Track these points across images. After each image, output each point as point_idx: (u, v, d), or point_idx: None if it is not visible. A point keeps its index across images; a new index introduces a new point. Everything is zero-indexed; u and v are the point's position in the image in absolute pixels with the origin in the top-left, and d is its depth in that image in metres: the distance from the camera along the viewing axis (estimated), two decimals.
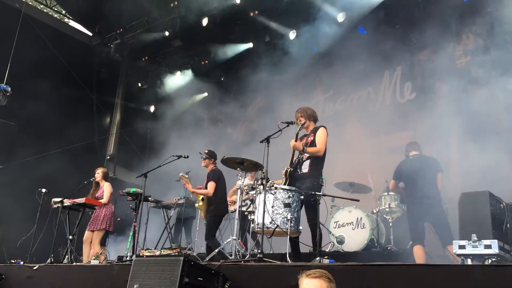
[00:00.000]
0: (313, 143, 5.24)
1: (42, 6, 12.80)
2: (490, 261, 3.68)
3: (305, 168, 5.21)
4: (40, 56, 10.27)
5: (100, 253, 6.72)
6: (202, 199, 6.46)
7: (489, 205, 3.95)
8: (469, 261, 3.77)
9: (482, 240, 3.69)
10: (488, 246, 3.66)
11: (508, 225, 4.08)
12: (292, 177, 5.25)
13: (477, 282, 2.87)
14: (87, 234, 7.27)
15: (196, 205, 6.63)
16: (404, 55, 9.19)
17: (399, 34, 8.82)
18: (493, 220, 3.90)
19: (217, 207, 6.41)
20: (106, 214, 7.26)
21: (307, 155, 5.23)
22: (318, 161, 5.22)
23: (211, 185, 6.44)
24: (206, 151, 6.86)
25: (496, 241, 3.67)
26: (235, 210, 6.15)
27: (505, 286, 2.77)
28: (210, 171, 6.60)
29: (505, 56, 7.55)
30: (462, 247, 3.77)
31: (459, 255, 3.81)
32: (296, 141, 5.33)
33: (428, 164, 5.86)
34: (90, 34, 12.71)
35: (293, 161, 5.29)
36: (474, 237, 3.72)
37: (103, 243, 7.48)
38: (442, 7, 8.65)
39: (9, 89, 8.75)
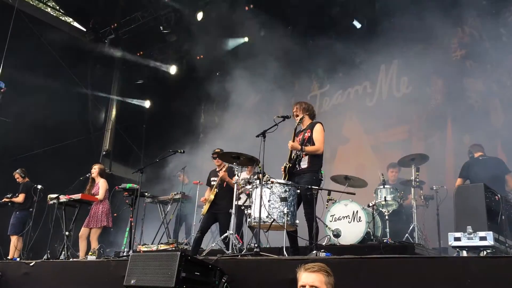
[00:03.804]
0: (310, 140, 5.23)
1: (35, 1, 12.70)
2: (485, 252, 3.71)
3: (304, 164, 5.20)
4: (34, 52, 10.22)
5: (97, 249, 6.71)
6: (215, 193, 6.37)
7: (484, 198, 3.98)
8: (464, 253, 3.79)
9: (477, 232, 3.72)
10: (483, 238, 3.69)
11: (503, 217, 4.10)
12: (291, 173, 5.25)
13: (473, 273, 2.89)
14: (83, 230, 7.24)
15: (206, 197, 6.54)
16: (400, 48, 9.19)
17: (394, 27, 8.81)
18: (488, 212, 3.92)
19: (231, 202, 6.36)
20: (103, 211, 7.23)
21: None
22: (317, 156, 5.22)
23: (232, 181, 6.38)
24: (218, 150, 6.82)
25: (491, 233, 3.70)
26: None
27: (500, 277, 2.79)
28: (229, 167, 6.54)
29: (500, 49, 7.57)
30: (457, 239, 3.80)
31: (454, 247, 3.83)
32: (293, 137, 5.33)
33: (496, 165, 6.15)
34: (84, 29, 12.64)
35: (292, 157, 5.29)
36: (469, 229, 3.74)
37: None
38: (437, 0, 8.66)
39: (3, 85, 8.71)
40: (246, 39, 11.31)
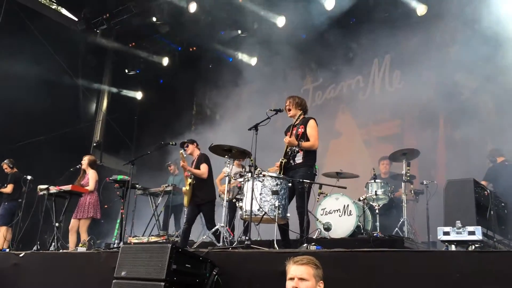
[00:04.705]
0: (304, 135, 5.26)
1: None
2: (473, 247, 3.74)
3: (298, 159, 5.23)
4: (25, 41, 10.09)
5: (87, 241, 6.68)
6: (190, 184, 6.30)
7: (474, 193, 4.02)
8: (453, 247, 3.82)
9: (466, 227, 3.75)
10: (472, 233, 3.72)
11: (491, 212, 4.14)
12: (286, 168, 5.27)
13: (461, 267, 2.92)
14: (72, 222, 7.20)
15: (184, 189, 6.45)
16: (393, 43, 9.20)
17: (387, 22, 8.82)
18: (477, 207, 3.96)
19: (210, 192, 6.31)
20: (91, 202, 7.19)
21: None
22: (311, 151, 5.27)
23: (205, 167, 6.29)
24: (186, 140, 6.77)
25: (479, 227, 3.73)
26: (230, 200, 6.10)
27: (488, 272, 2.82)
28: (200, 155, 6.48)
29: (492, 45, 7.60)
30: (446, 233, 3.83)
31: (443, 241, 3.87)
32: (291, 132, 5.34)
33: None
34: (76, 19, 12.48)
35: (287, 152, 5.30)
36: (458, 223, 3.77)
37: None
38: None
39: None
40: (239, 31, 11.25)
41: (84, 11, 12.12)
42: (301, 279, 2.68)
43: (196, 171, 6.28)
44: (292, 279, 2.71)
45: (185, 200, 6.41)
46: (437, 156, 8.32)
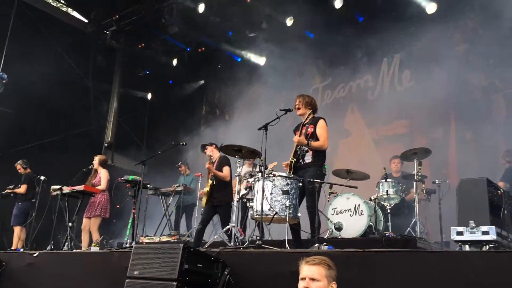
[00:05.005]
0: (313, 135, 5.25)
1: None
2: (487, 247, 3.71)
3: (308, 158, 5.23)
4: (36, 43, 10.20)
5: (100, 240, 6.74)
6: (210, 185, 6.31)
7: (487, 192, 3.97)
8: (466, 247, 3.80)
9: (480, 226, 3.71)
10: (485, 233, 3.69)
11: (505, 212, 4.10)
12: (296, 168, 5.26)
13: (475, 267, 2.90)
14: (84, 221, 7.30)
15: (204, 190, 6.46)
16: (403, 42, 9.16)
17: (397, 20, 8.77)
18: (491, 207, 3.92)
19: (228, 194, 6.29)
20: (101, 201, 7.28)
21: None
22: (320, 151, 5.26)
23: (227, 170, 6.34)
24: (206, 143, 6.82)
25: (493, 227, 3.70)
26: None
27: (502, 272, 2.80)
28: (222, 157, 6.48)
29: (503, 44, 7.53)
30: (460, 233, 3.80)
31: (457, 241, 3.84)
32: (300, 132, 5.34)
33: None
34: (86, 20, 12.59)
35: (296, 151, 5.29)
36: (472, 223, 3.74)
37: None
38: None
39: (6, 76, 8.72)
40: (247, 31, 11.25)
41: (94, 13, 12.24)
42: (312, 279, 2.67)
43: (220, 173, 6.32)
44: (303, 279, 2.71)
45: (203, 201, 6.44)
46: (449, 155, 8.26)
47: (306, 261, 2.76)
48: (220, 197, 6.28)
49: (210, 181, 6.33)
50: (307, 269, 2.72)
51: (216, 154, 6.65)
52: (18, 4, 9.96)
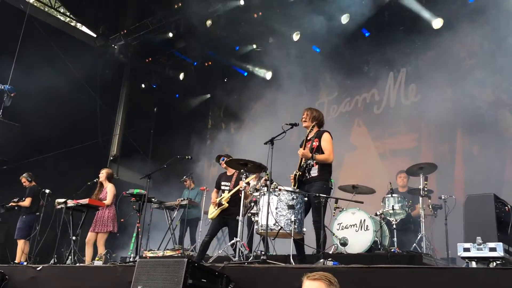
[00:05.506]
0: (318, 149, 5.23)
1: (46, 7, 12.84)
2: (495, 264, 3.65)
3: (314, 172, 5.20)
4: (44, 57, 10.32)
5: (104, 254, 6.71)
6: (227, 198, 6.28)
7: (494, 208, 3.92)
8: (473, 264, 3.74)
9: (487, 243, 3.66)
10: (493, 249, 3.63)
11: None
12: (301, 182, 5.23)
13: (482, 284, 2.86)
14: (89, 235, 7.24)
15: (223, 202, 6.33)
16: (409, 56, 9.17)
17: (403, 35, 8.80)
18: (498, 223, 3.86)
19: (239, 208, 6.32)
20: (109, 216, 7.23)
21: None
22: (326, 165, 5.24)
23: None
24: (225, 155, 6.79)
25: (501, 243, 3.64)
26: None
27: None
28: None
29: (510, 59, 7.52)
30: (466, 249, 3.74)
31: (463, 257, 3.79)
32: (304, 144, 5.33)
33: None
34: (94, 35, 12.77)
35: (301, 165, 5.27)
36: (479, 239, 3.69)
37: None
38: (446, 8, 8.64)
39: (13, 90, 8.81)
40: (254, 46, 11.35)
41: (102, 28, 12.41)
42: None
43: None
44: None
45: (214, 213, 6.36)
46: (455, 170, 8.19)
47: (307, 277, 2.76)
48: (234, 209, 6.18)
49: (227, 194, 6.29)
50: (308, 285, 2.72)
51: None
52: (27, 18, 10.12)
